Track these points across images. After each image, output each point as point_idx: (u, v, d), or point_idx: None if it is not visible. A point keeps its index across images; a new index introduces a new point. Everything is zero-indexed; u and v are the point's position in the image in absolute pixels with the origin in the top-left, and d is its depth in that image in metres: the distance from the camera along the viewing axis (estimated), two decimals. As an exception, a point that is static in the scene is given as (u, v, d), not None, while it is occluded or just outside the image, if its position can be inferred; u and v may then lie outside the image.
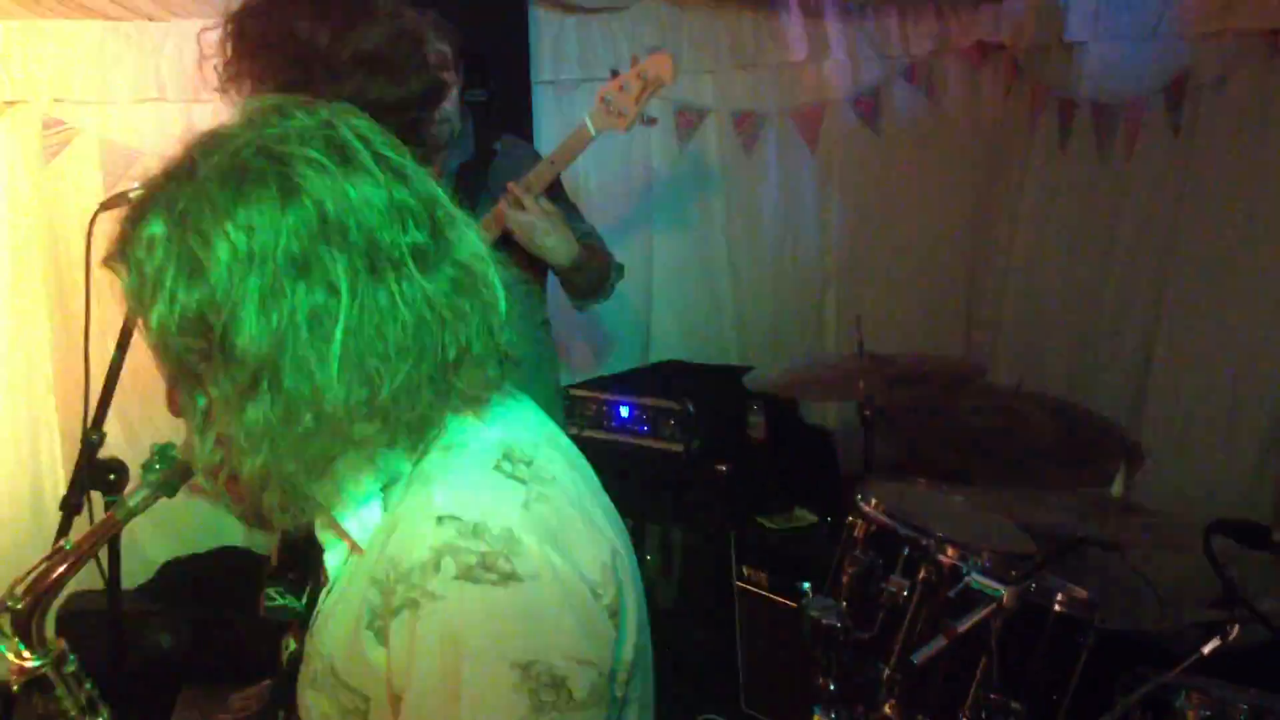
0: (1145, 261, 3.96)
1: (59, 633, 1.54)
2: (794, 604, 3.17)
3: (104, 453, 2.23)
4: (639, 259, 4.74)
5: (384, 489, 1.27)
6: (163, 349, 1.18)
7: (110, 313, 1.55)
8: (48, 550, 1.59)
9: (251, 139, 1.16)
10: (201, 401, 1.20)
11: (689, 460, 3.91)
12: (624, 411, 4.05)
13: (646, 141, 4.68)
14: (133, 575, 4.16)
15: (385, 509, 1.27)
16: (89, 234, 2.09)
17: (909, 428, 3.25)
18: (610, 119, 2.88)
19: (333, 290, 1.13)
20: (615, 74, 2.92)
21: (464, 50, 3.13)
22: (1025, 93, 4.39)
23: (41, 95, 3.86)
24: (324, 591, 1.36)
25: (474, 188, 2.94)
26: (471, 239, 1.26)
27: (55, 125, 3.88)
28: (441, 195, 1.25)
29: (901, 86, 4.63)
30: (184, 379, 1.21)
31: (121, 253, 1.17)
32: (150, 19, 3.96)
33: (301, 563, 2.42)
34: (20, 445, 4.03)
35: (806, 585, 2.87)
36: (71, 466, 2.27)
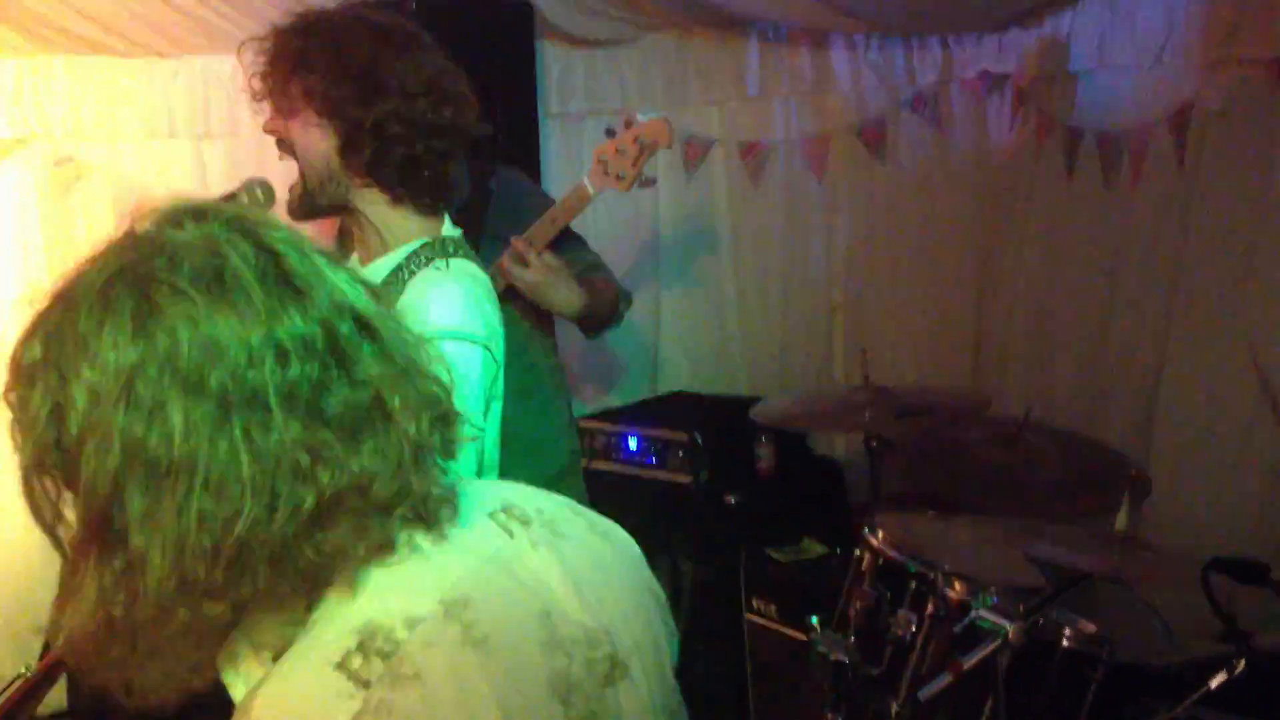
0: (1152, 291, 3.96)
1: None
2: (804, 636, 3.17)
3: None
4: (646, 290, 4.76)
5: (274, 656, 1.09)
6: (28, 491, 1.06)
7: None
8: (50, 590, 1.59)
9: (121, 259, 1.04)
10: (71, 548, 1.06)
11: (697, 492, 3.91)
12: (632, 443, 4.05)
13: (653, 172, 4.69)
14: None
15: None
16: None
17: (915, 459, 3.25)
18: (608, 180, 2.92)
19: (167, 438, 0.99)
20: (611, 134, 2.96)
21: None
22: (1031, 122, 4.40)
23: (52, 132, 3.89)
24: None
25: (472, 231, 2.96)
26: (391, 349, 1.10)
27: (66, 162, 3.91)
28: (358, 302, 1.09)
29: (907, 116, 4.65)
30: (51, 528, 1.07)
31: (9, 385, 1.06)
32: (160, 55, 3.99)
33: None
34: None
35: (815, 620, 2.87)
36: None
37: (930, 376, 4.62)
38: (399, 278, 2.06)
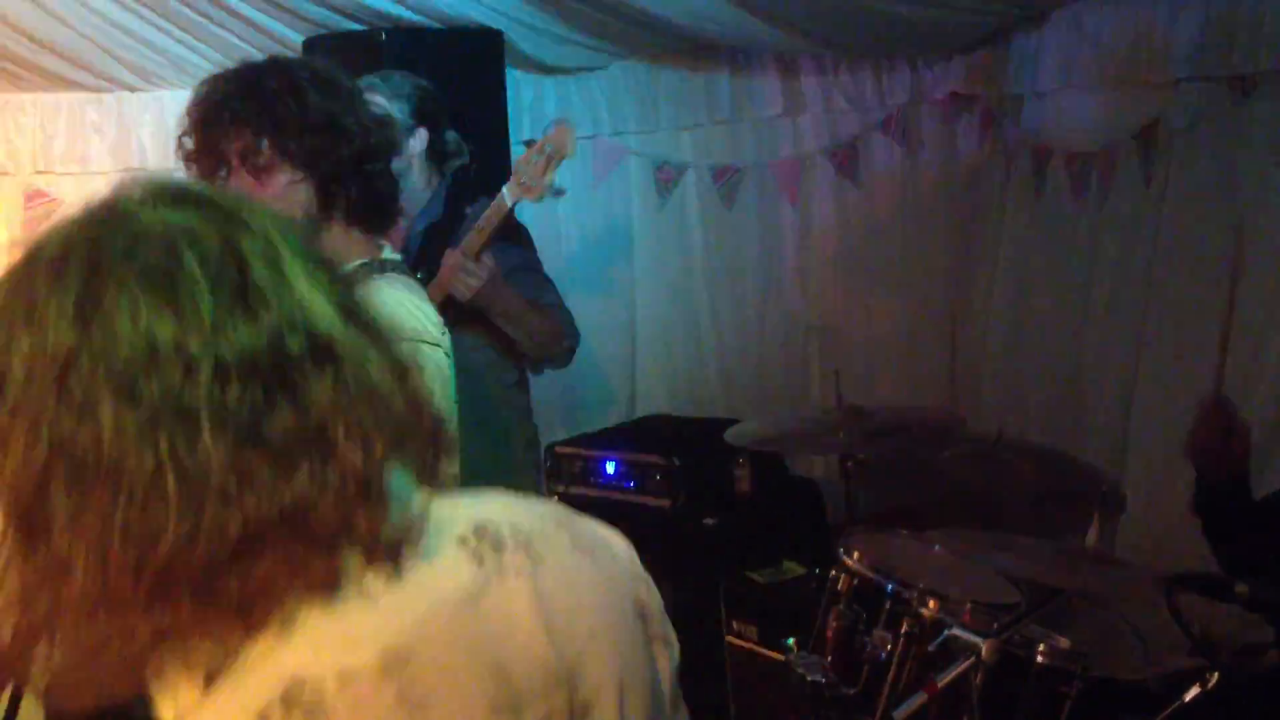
0: (1123, 307, 3.98)
1: (45, 706, 1.52)
2: (784, 658, 3.17)
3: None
4: (622, 314, 4.78)
5: (207, 677, 1.00)
6: None
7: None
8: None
9: (87, 230, 1.00)
10: None
11: (676, 515, 3.91)
12: (610, 468, 4.05)
13: (627, 197, 4.72)
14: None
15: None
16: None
17: (890, 479, 3.26)
18: (521, 190, 2.98)
19: (95, 439, 0.93)
20: (529, 144, 3.07)
21: (426, 113, 3.22)
22: (1000, 142, 4.43)
23: (24, 168, 3.90)
24: None
25: (439, 249, 3.08)
26: (341, 376, 1.01)
27: (38, 198, 3.92)
28: (319, 321, 1.02)
29: (878, 138, 4.67)
30: None
31: None
32: (130, 89, 4.00)
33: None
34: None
35: (791, 641, 2.87)
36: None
37: (904, 396, 4.63)
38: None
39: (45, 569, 0.95)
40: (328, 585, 0.98)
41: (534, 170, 2.96)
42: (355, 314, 1.06)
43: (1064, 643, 2.51)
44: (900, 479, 3.28)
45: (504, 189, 3.00)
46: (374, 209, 2.17)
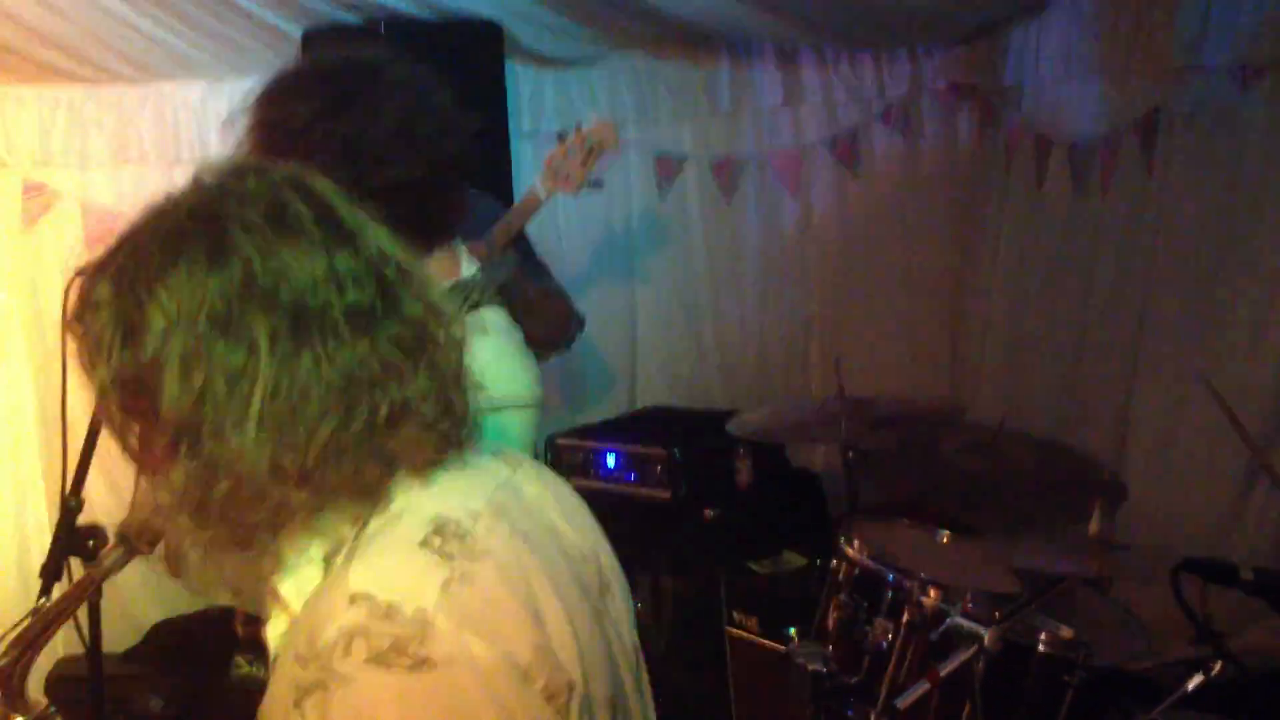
0: (1124, 297, 3.97)
1: (48, 696, 1.55)
2: (785, 649, 3.17)
3: (90, 517, 2.22)
4: (622, 306, 4.77)
5: (326, 558, 1.22)
6: (107, 410, 1.19)
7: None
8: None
9: (191, 202, 1.18)
10: (144, 465, 1.21)
11: (677, 507, 3.91)
12: (610, 460, 4.05)
13: (627, 190, 4.71)
14: (122, 638, 4.14)
15: (326, 578, 1.22)
16: (65, 299, 2.09)
17: (892, 469, 3.25)
18: (558, 182, 2.95)
19: (253, 351, 1.12)
20: (562, 138, 3.01)
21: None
22: (1000, 132, 4.42)
23: (22, 160, 3.89)
24: (271, 663, 1.31)
25: None
26: (426, 296, 1.24)
27: (36, 189, 3.91)
28: (396, 252, 1.24)
29: (878, 129, 4.67)
30: (129, 441, 1.21)
31: (77, 315, 1.19)
32: (129, 82, 3.99)
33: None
34: (6, 512, 4.03)
35: (792, 631, 2.87)
36: (59, 533, 2.27)
37: (905, 386, 4.63)
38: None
39: (217, 456, 1.14)
40: (438, 456, 1.24)
41: (572, 162, 2.92)
42: (406, 251, 1.27)
43: (1066, 632, 2.50)
44: (901, 469, 3.27)
45: (536, 182, 2.95)
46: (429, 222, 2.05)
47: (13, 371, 3.99)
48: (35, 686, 1.52)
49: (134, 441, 1.20)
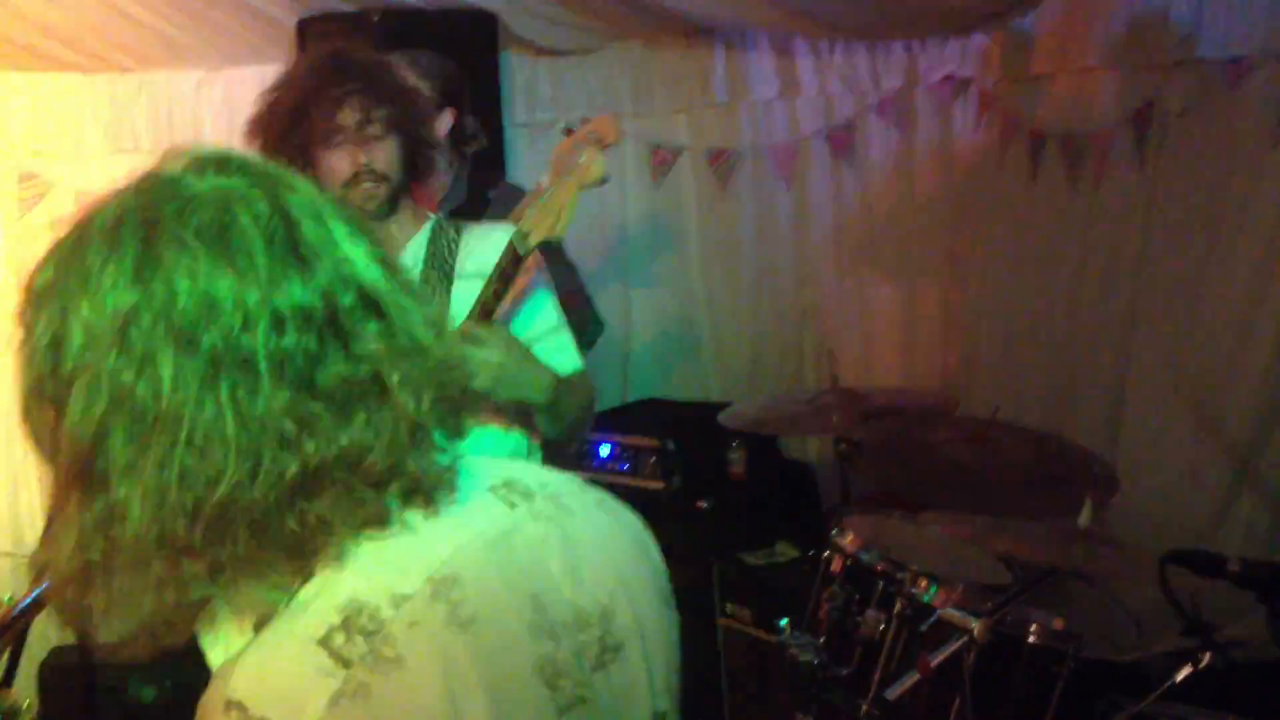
0: (1116, 289, 3.98)
1: (39, 686, 1.55)
2: (777, 639, 3.18)
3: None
4: (616, 297, 4.76)
5: (256, 624, 1.07)
6: (25, 417, 1.06)
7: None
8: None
9: (138, 199, 1.05)
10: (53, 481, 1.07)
11: (670, 498, 3.92)
12: (604, 450, 4.06)
13: (622, 180, 4.70)
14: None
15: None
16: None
17: (885, 460, 3.26)
18: (565, 179, 2.90)
19: (155, 391, 0.98)
20: (569, 133, 2.93)
21: (452, 95, 3.22)
22: (995, 125, 4.43)
23: (16, 148, 3.89)
24: None
25: None
26: (390, 329, 1.07)
27: (30, 178, 3.90)
28: (364, 277, 1.07)
29: (874, 121, 4.67)
30: (46, 457, 1.07)
31: (20, 305, 1.06)
32: (123, 71, 3.99)
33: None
34: (0, 499, 4.04)
35: (784, 622, 2.88)
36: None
37: (899, 378, 4.64)
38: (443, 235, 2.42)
39: (102, 516, 0.99)
40: (376, 522, 1.05)
41: (578, 160, 2.76)
42: (395, 272, 1.11)
43: (1056, 623, 2.51)
44: (894, 461, 3.28)
45: (542, 180, 2.69)
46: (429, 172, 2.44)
47: (6, 359, 3.98)
48: (27, 677, 1.53)
49: (47, 461, 1.07)
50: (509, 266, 2.29)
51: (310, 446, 1.00)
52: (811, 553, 3.66)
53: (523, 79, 4.53)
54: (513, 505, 1.16)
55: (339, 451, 1.02)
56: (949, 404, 3.61)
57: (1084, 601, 2.69)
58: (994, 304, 4.43)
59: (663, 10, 4.11)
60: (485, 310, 2.27)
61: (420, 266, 2.39)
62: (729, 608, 3.59)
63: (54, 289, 1.02)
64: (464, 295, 2.32)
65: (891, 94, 4.63)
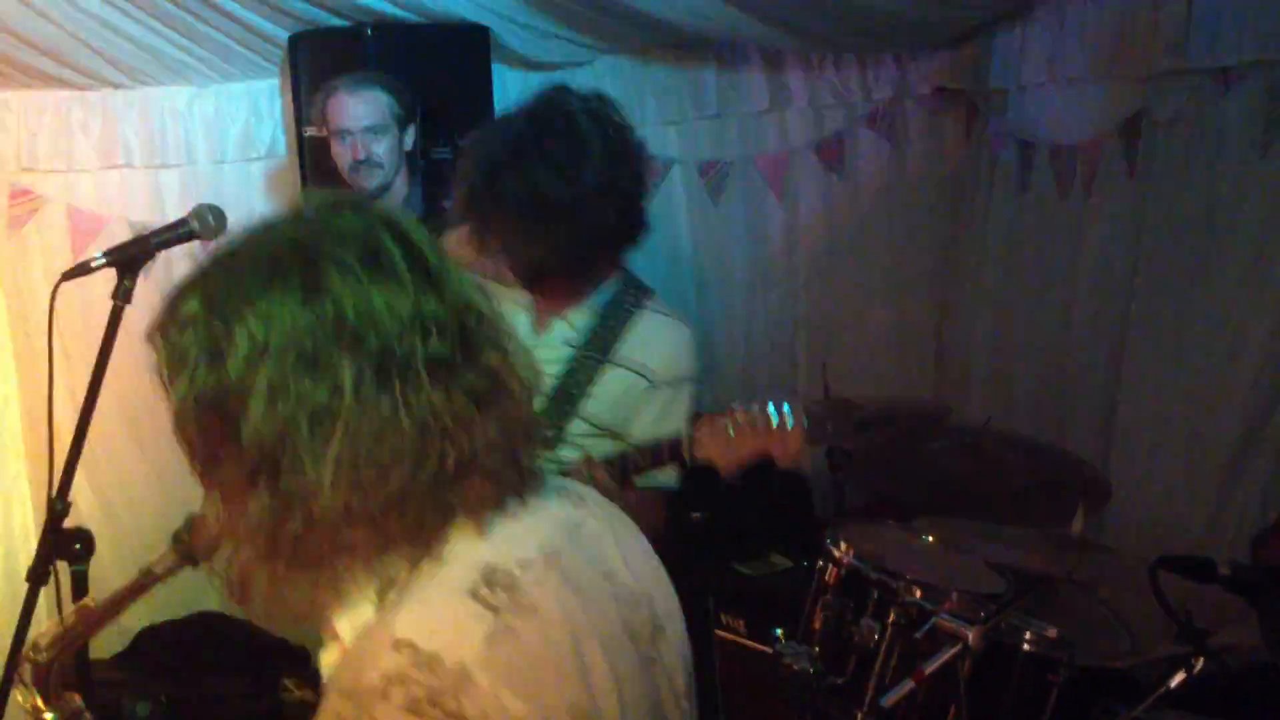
0: (1107, 299, 3.99)
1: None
2: (772, 650, 3.18)
3: (76, 520, 2.23)
4: (609, 310, 4.76)
5: (379, 595, 1.24)
6: (182, 426, 1.21)
7: (75, 380, 1.57)
8: (13, 622, 1.62)
9: (290, 233, 1.21)
10: (215, 484, 1.23)
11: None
12: (597, 462, 4.04)
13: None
14: (109, 643, 4.14)
15: (376, 615, 1.24)
16: (51, 303, 2.11)
17: (877, 470, 3.26)
18: None
19: (337, 392, 1.14)
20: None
21: (411, 104, 3.30)
22: (984, 136, 4.44)
23: (8, 165, 3.89)
24: (321, 690, 1.32)
25: None
26: (503, 345, 1.27)
27: (22, 194, 3.91)
28: (477, 301, 1.26)
29: (864, 133, 4.68)
30: (202, 459, 1.22)
31: (161, 328, 1.21)
32: (114, 87, 3.99)
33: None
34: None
35: (779, 632, 2.88)
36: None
37: (891, 388, 4.64)
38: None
39: (297, 493, 1.16)
40: (497, 505, 1.25)
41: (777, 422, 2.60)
42: (486, 298, 1.30)
43: (1051, 631, 2.52)
44: (887, 471, 3.28)
45: None
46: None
47: (4, 386, 3.98)
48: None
49: (206, 462, 1.22)
50: (667, 456, 2.45)
51: (464, 440, 1.19)
52: (805, 562, 3.67)
53: (515, 92, 4.53)
54: (576, 506, 1.38)
55: (480, 445, 1.21)
56: (942, 414, 3.61)
57: (1078, 609, 2.69)
58: (985, 314, 4.44)
59: (654, 24, 4.12)
60: (624, 476, 2.41)
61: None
62: (723, 618, 3.59)
63: (208, 311, 1.16)
64: (610, 380, 2.46)
65: (882, 105, 4.64)
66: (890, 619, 2.61)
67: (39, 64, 3.81)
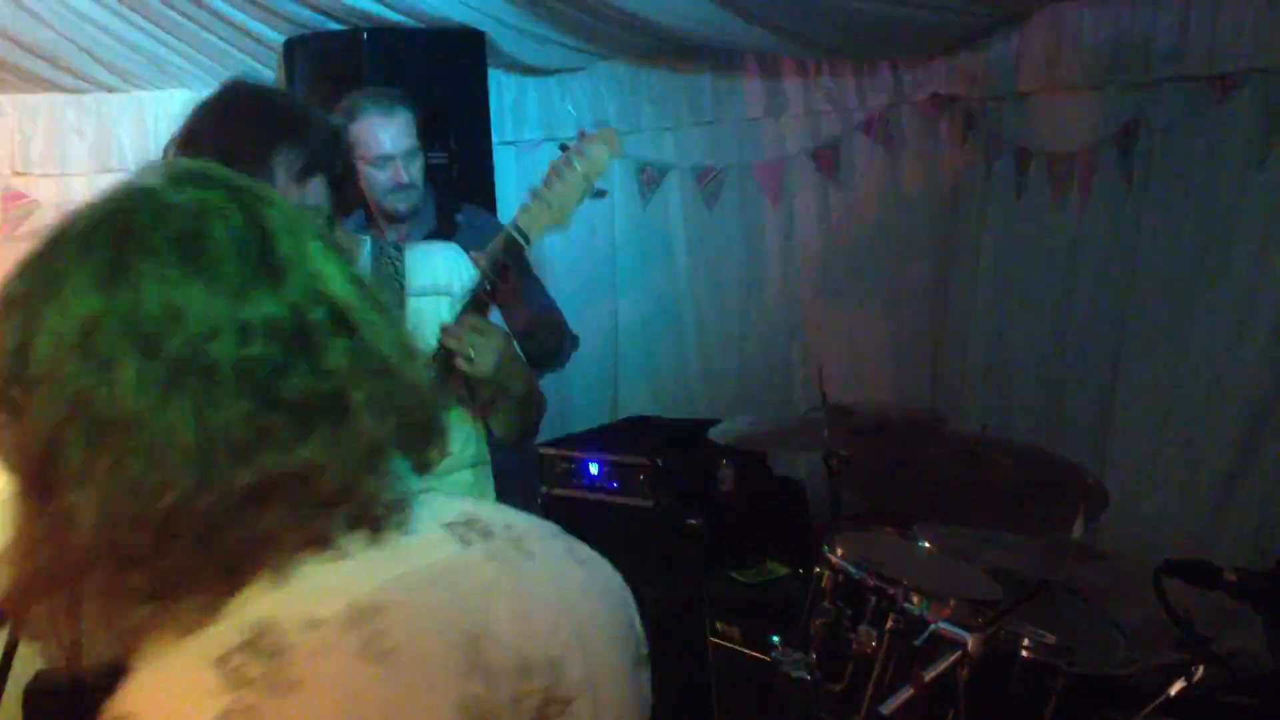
0: (1103, 306, 4.00)
1: (25, 711, 1.53)
2: (768, 658, 3.17)
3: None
4: (605, 315, 4.77)
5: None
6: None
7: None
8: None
9: (111, 207, 1.03)
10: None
11: (659, 516, 3.91)
12: (593, 469, 4.05)
13: (610, 199, 4.71)
14: (101, 649, 4.12)
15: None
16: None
17: (875, 477, 3.26)
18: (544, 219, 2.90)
19: (114, 396, 0.97)
20: (565, 148, 2.89)
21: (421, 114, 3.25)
22: (981, 143, 4.44)
23: (2, 168, 3.88)
24: None
25: None
26: (366, 350, 1.06)
27: (16, 198, 3.89)
28: (333, 291, 1.06)
29: (860, 139, 4.68)
30: (5, 459, 1.04)
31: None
32: (109, 90, 3.98)
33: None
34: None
35: (776, 639, 2.87)
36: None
37: (887, 395, 4.64)
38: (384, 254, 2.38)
39: (52, 521, 0.97)
40: (318, 543, 1.02)
41: (585, 153, 2.52)
42: (369, 291, 1.10)
43: (1049, 637, 2.51)
44: (884, 477, 3.28)
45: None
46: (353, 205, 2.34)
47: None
48: (14, 700, 1.51)
49: (10, 467, 1.04)
50: (507, 260, 2.29)
51: (266, 458, 0.99)
52: (801, 570, 3.66)
53: (511, 97, 4.54)
54: (467, 544, 1.11)
55: (294, 466, 1.00)
56: (938, 420, 3.60)
57: (1077, 616, 2.68)
58: (981, 320, 4.43)
59: (650, 29, 4.12)
60: (479, 304, 2.29)
61: None
62: (719, 625, 3.58)
63: (23, 296, 1.01)
64: (419, 311, 2.32)
65: (877, 112, 4.64)
66: (888, 626, 2.60)
67: (33, 68, 3.80)
